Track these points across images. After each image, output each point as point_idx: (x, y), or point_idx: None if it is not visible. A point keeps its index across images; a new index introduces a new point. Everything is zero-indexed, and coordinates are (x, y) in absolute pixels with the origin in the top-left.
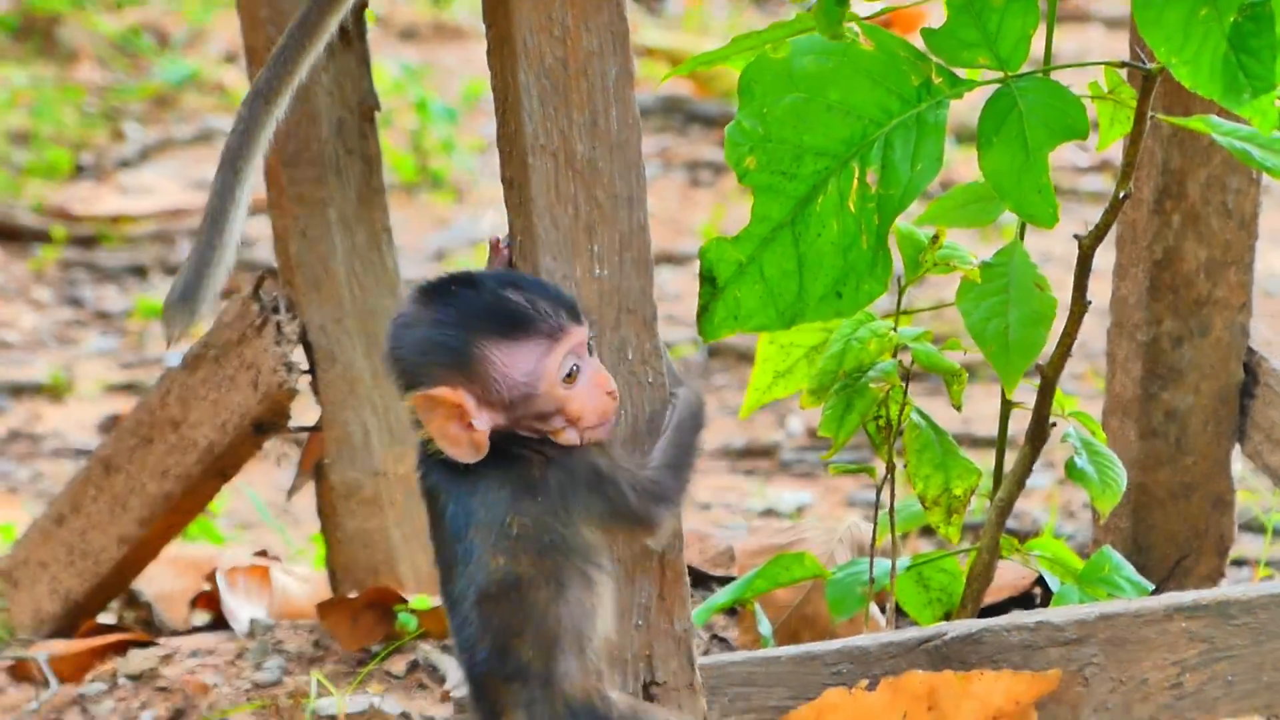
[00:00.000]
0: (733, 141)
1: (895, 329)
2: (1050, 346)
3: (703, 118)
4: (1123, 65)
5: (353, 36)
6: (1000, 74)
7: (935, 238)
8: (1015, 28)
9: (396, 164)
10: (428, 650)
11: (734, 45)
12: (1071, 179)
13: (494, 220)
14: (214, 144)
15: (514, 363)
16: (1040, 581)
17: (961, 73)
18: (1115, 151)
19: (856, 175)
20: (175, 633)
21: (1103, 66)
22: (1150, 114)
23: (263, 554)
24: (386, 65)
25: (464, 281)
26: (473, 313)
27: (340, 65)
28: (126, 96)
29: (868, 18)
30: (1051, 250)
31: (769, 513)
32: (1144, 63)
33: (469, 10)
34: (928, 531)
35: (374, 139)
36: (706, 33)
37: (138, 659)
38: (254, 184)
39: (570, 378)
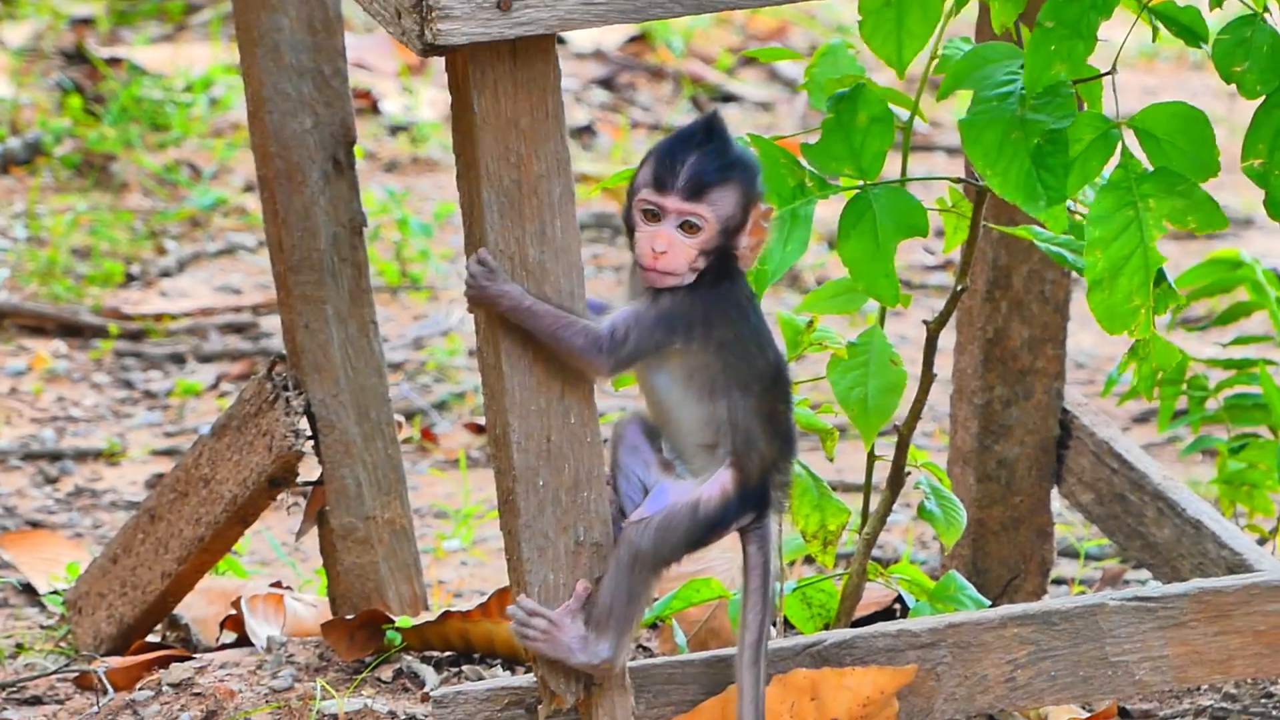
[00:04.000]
0: None
1: None
2: (905, 410)
3: None
4: (959, 181)
5: (345, 167)
6: (860, 182)
7: (810, 323)
8: (874, 145)
9: (383, 269)
10: (410, 660)
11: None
12: (921, 275)
13: (461, 315)
14: (237, 257)
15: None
16: (900, 599)
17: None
18: (956, 254)
19: None
20: (208, 649)
21: (948, 185)
22: (983, 222)
23: (277, 585)
24: (374, 191)
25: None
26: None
27: (335, 190)
28: (166, 219)
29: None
30: (905, 333)
31: None
32: (976, 181)
33: (441, 146)
34: (809, 560)
35: (363, 249)
36: (630, 162)
37: (178, 670)
38: None
39: (647, 217)
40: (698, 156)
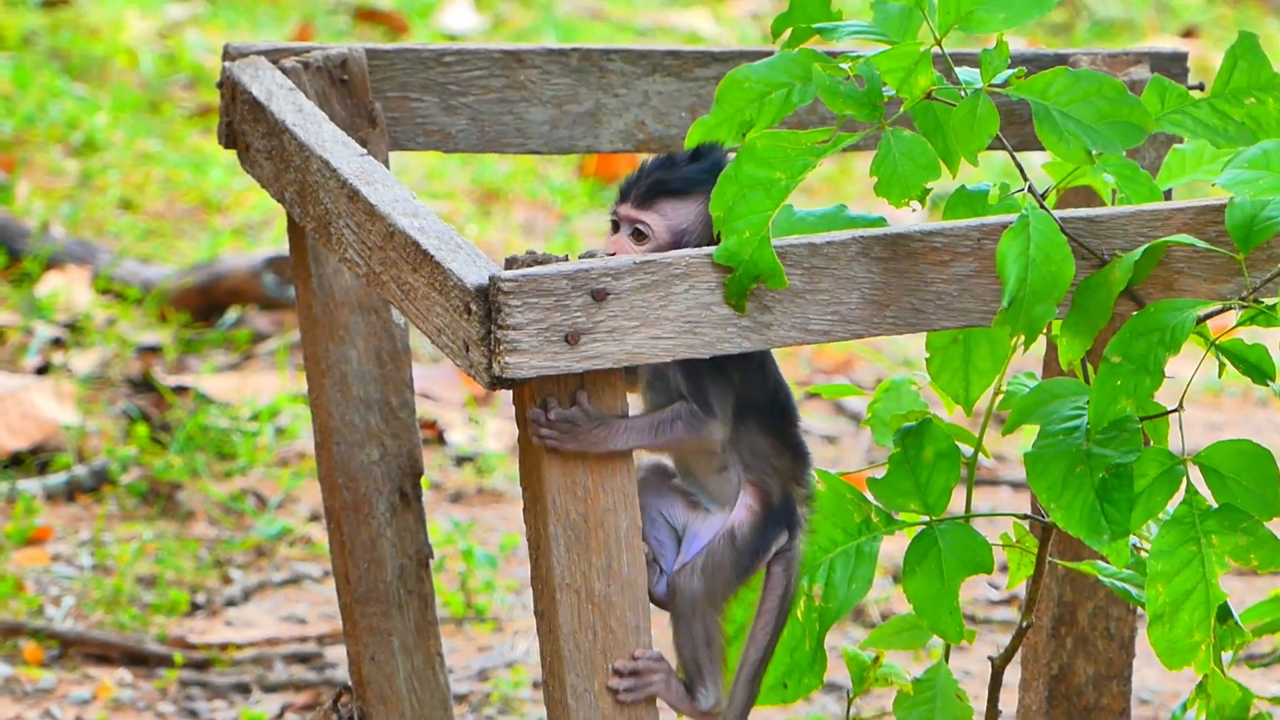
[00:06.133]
0: None
1: None
2: None
3: None
4: (1025, 518)
5: (411, 498)
6: (926, 518)
7: (876, 658)
8: (940, 481)
9: (447, 600)
10: None
11: None
12: (985, 610)
13: (527, 646)
14: (302, 586)
15: None
16: None
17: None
18: (1020, 589)
19: (804, 590)
20: None
21: (1013, 521)
22: (1048, 558)
23: None
24: (439, 521)
25: None
26: None
27: (401, 522)
28: (232, 548)
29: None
30: (970, 668)
31: None
32: (1043, 517)
33: (506, 477)
34: None
35: (429, 581)
36: None
37: None
38: None
39: (612, 228)
40: (664, 170)
